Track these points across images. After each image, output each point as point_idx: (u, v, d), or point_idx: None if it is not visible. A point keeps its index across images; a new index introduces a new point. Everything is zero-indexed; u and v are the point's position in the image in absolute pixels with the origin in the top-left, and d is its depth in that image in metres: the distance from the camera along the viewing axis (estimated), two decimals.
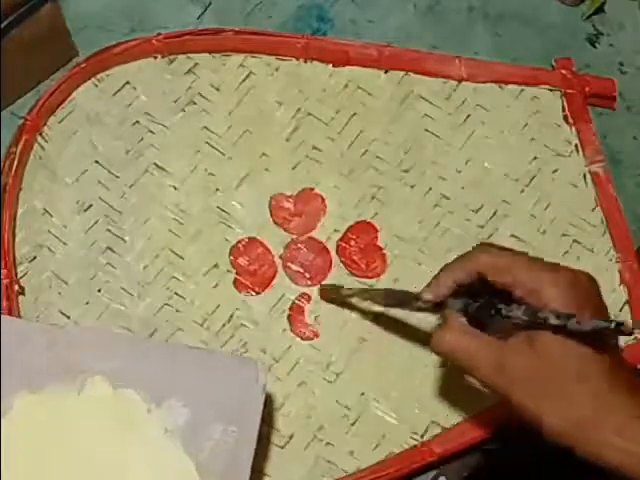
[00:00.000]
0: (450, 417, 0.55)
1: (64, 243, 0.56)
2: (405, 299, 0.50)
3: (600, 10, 0.69)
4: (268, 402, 0.54)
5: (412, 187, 0.60)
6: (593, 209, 0.61)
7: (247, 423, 0.44)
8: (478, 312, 0.44)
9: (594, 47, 0.68)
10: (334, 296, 0.57)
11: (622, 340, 0.58)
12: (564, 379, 0.40)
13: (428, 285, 0.46)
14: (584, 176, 0.62)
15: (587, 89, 0.63)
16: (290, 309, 0.57)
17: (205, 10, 0.65)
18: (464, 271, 0.45)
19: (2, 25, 0.53)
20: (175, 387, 0.45)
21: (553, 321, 0.39)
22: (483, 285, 0.44)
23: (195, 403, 0.44)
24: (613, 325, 0.38)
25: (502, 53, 0.66)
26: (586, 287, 0.42)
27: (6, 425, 0.43)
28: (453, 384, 0.56)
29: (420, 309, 0.48)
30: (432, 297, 0.46)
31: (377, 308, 0.56)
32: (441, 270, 0.46)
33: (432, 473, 0.56)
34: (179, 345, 0.52)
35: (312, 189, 0.60)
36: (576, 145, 0.62)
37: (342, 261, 0.58)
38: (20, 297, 0.54)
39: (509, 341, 0.42)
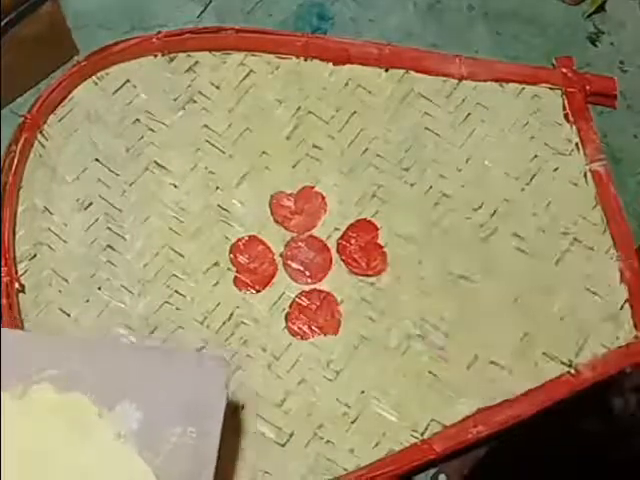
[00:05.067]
0: (451, 415, 0.55)
1: (64, 241, 0.56)
2: None
3: (601, 9, 0.69)
4: (268, 400, 0.54)
5: (412, 185, 0.60)
6: (593, 207, 0.61)
7: (209, 424, 0.43)
8: None
9: (595, 46, 0.68)
10: None
11: (622, 339, 0.58)
12: None
13: None
14: (584, 174, 0.62)
15: (588, 88, 0.63)
16: (290, 307, 0.57)
17: (205, 8, 0.65)
18: None
19: (2, 23, 0.53)
20: (128, 390, 0.43)
21: None
22: None
23: (150, 405, 0.43)
24: None
25: (502, 51, 0.66)
26: None
27: None
28: (453, 382, 0.56)
29: None
30: None
31: None
32: None
33: (432, 471, 0.56)
34: (134, 346, 0.51)
35: (312, 187, 0.60)
36: (577, 144, 0.62)
37: (342, 259, 0.58)
38: (20, 295, 0.54)
39: None
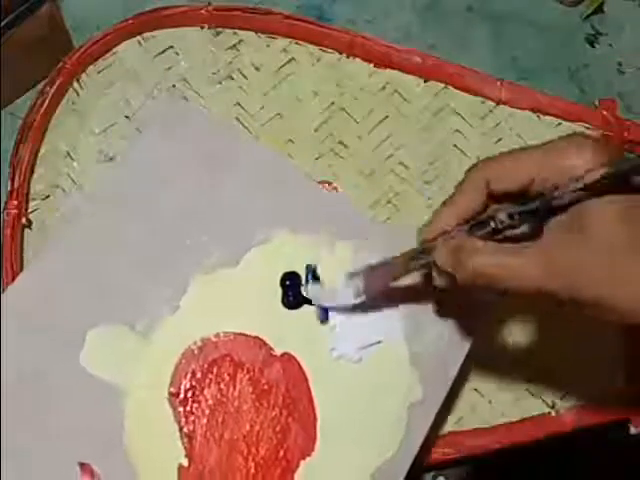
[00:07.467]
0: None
1: (80, 188, 0.58)
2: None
3: (599, 10, 0.68)
4: None
5: (429, 199, 0.60)
6: None
7: (460, 343, 0.48)
8: (496, 230, 0.39)
9: (593, 47, 0.68)
10: None
11: (613, 393, 0.57)
12: (626, 256, 0.34)
13: (426, 226, 0.43)
14: None
15: (626, 134, 0.62)
16: None
17: None
18: (468, 197, 0.42)
19: (1, 24, 0.54)
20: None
21: (575, 186, 0.35)
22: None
23: None
24: None
25: (501, 53, 0.66)
26: (591, 142, 0.37)
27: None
28: None
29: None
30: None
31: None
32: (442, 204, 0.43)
33: (431, 473, 0.56)
34: None
35: (330, 183, 0.60)
36: None
37: None
38: (26, 230, 0.56)
39: (549, 236, 0.36)
